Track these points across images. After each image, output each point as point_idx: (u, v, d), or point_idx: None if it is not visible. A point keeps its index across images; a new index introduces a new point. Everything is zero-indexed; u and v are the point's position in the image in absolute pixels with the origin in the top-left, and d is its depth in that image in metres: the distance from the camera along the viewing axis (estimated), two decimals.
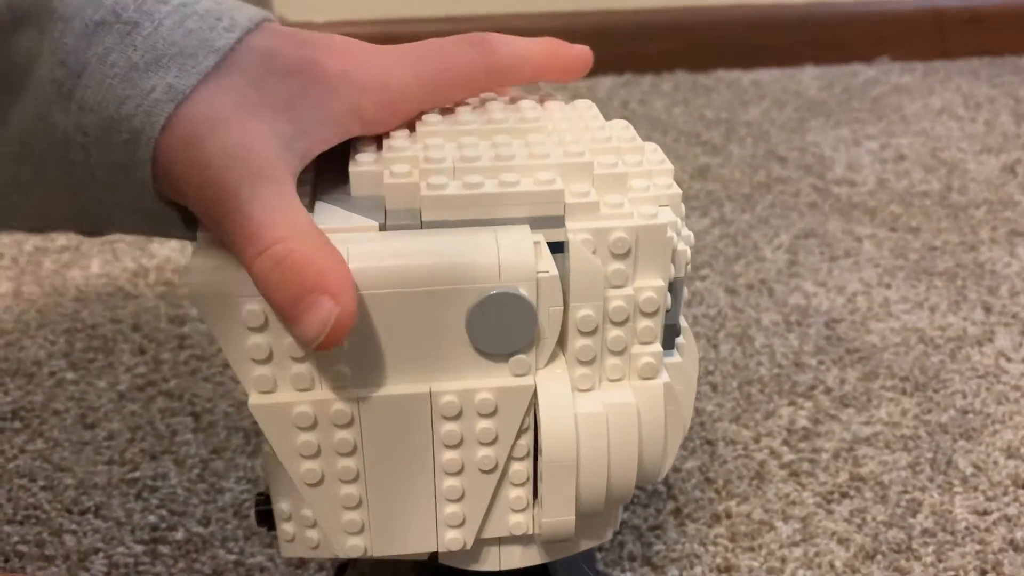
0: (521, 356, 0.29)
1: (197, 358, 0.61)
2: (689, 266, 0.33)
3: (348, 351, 0.28)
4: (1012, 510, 0.50)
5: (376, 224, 0.28)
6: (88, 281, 0.71)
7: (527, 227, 0.28)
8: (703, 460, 0.53)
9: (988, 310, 0.66)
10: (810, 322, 0.65)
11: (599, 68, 1.12)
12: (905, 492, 0.51)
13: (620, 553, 0.47)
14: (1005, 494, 0.51)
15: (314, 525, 0.32)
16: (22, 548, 0.47)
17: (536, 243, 0.28)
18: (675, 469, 0.52)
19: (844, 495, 0.51)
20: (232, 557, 0.47)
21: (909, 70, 1.12)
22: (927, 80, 1.09)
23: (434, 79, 0.30)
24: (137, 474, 0.52)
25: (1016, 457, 0.53)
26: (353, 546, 0.31)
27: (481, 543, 0.33)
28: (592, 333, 0.29)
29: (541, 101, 0.34)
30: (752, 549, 0.47)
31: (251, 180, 0.25)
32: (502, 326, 0.28)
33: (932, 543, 0.48)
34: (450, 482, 0.31)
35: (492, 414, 0.29)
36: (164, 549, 0.47)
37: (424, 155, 0.29)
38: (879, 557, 0.47)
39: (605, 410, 0.30)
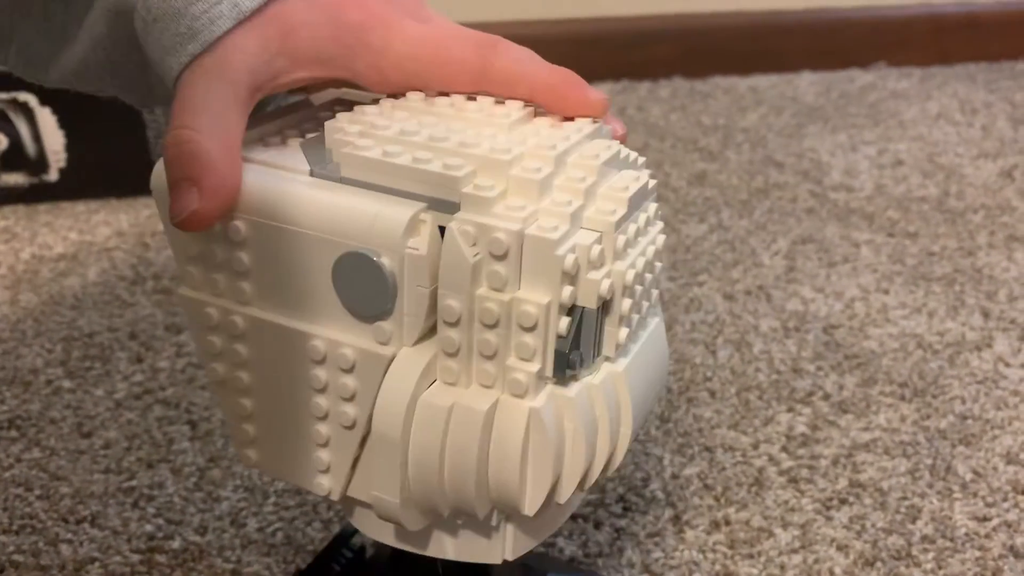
0: (383, 324, 0.29)
1: (194, 366, 0.61)
2: (647, 307, 0.31)
3: (251, 270, 0.30)
4: (1012, 516, 0.49)
5: (307, 169, 0.30)
6: (85, 289, 0.71)
7: (423, 205, 0.28)
8: (702, 467, 0.53)
9: (986, 315, 0.66)
10: (808, 328, 0.65)
11: (596, 74, 1.12)
12: (904, 498, 0.51)
13: (619, 560, 0.47)
14: (1005, 500, 0.50)
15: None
16: (17, 558, 0.47)
17: (422, 222, 0.28)
18: (673, 476, 0.52)
19: (843, 502, 0.50)
20: (229, 566, 0.47)
21: (906, 75, 1.12)
22: (924, 85, 1.09)
23: (428, 65, 0.31)
24: (134, 483, 0.52)
25: (1016, 463, 0.53)
26: (246, 455, 0.34)
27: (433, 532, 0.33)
28: (455, 325, 0.28)
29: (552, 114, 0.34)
30: (751, 556, 0.47)
31: (210, 75, 0.29)
32: (361, 287, 0.29)
33: (932, 549, 0.47)
34: (317, 426, 0.32)
35: (351, 371, 0.30)
36: (161, 558, 0.47)
37: (372, 121, 0.30)
38: (879, 564, 0.47)
39: (449, 407, 0.29)
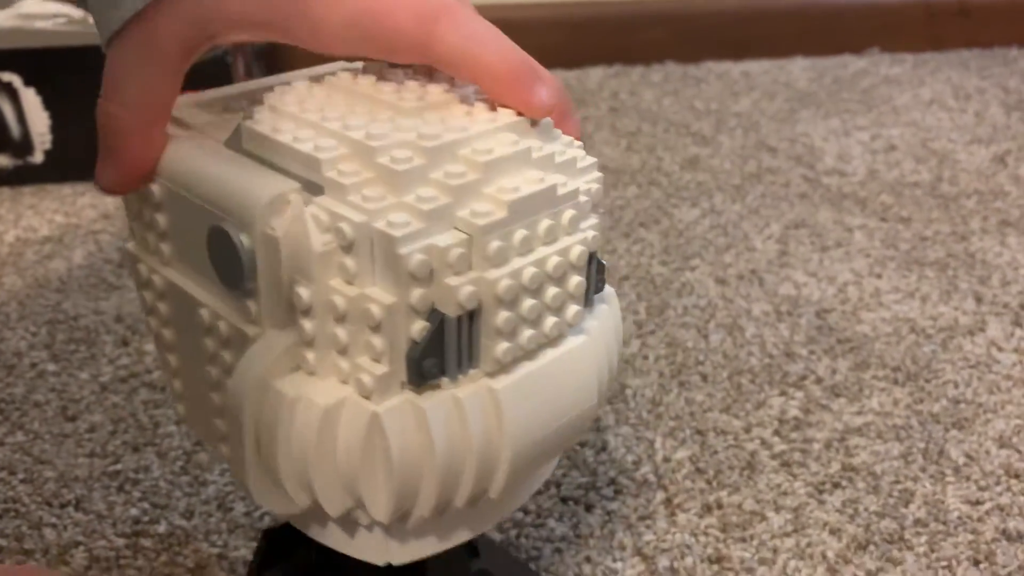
0: (248, 302, 0.28)
1: None
2: (555, 324, 0.28)
3: (167, 232, 0.31)
4: (1005, 500, 0.49)
5: (223, 138, 0.30)
6: (71, 272, 0.70)
7: (296, 186, 0.27)
8: (693, 450, 0.52)
9: (979, 300, 0.66)
10: (801, 312, 0.65)
11: (589, 58, 1.11)
12: (897, 482, 0.50)
13: (610, 542, 0.46)
14: (997, 484, 0.50)
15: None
16: (1, 542, 0.46)
17: (288, 202, 0.27)
18: (665, 459, 0.52)
19: (836, 485, 0.50)
20: (215, 551, 0.46)
21: (899, 61, 1.12)
22: (917, 71, 1.08)
23: (367, 35, 0.29)
24: (119, 467, 0.51)
25: (1008, 447, 0.53)
26: (177, 409, 0.35)
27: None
28: (308, 315, 0.27)
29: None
30: (744, 539, 0.47)
31: (138, 47, 0.28)
32: (226, 262, 0.28)
33: (925, 533, 0.47)
34: (212, 394, 0.31)
35: (227, 345, 0.30)
36: (146, 542, 0.46)
37: (284, 96, 0.30)
38: (871, 547, 0.46)
39: (294, 396, 0.27)
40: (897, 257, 0.71)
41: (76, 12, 0.86)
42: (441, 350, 0.27)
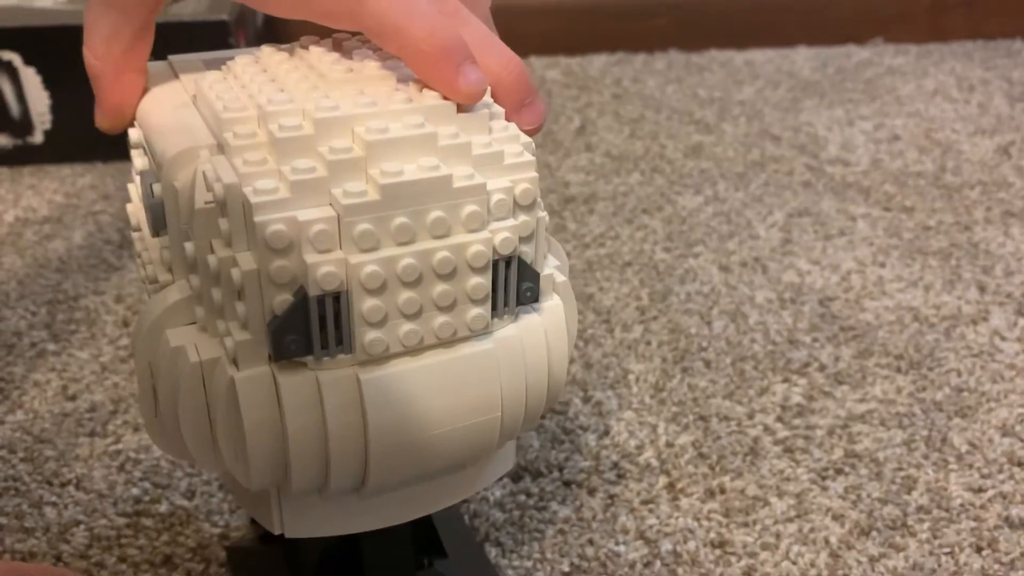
0: (166, 251, 0.29)
1: None
2: (444, 324, 0.27)
3: (138, 176, 0.31)
4: (1007, 487, 0.49)
5: (192, 94, 0.31)
6: (71, 252, 0.70)
7: (212, 143, 0.28)
8: (696, 435, 0.52)
9: (983, 289, 0.66)
10: (804, 300, 0.64)
11: (591, 46, 1.11)
12: (900, 469, 0.50)
13: (613, 526, 0.46)
14: (1000, 471, 0.50)
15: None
16: (1, 520, 0.46)
17: (196, 158, 0.27)
18: (668, 444, 0.52)
19: (839, 472, 0.50)
20: (217, 531, 0.46)
21: (903, 52, 1.11)
22: (921, 62, 1.08)
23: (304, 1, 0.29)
24: (120, 446, 0.51)
25: (1011, 435, 0.53)
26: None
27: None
28: (192, 269, 0.27)
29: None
30: (746, 524, 0.47)
31: (104, 3, 0.30)
32: (148, 208, 0.29)
33: (927, 520, 0.47)
34: None
35: (157, 289, 0.31)
36: (147, 522, 0.46)
37: (240, 62, 0.31)
38: (874, 533, 0.46)
39: (176, 345, 0.27)
40: (900, 246, 0.71)
41: None
42: (305, 328, 0.26)
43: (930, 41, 1.15)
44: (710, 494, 0.48)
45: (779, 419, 0.54)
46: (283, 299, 0.26)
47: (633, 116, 0.94)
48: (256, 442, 0.27)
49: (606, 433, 0.52)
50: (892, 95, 0.99)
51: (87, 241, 0.71)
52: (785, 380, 0.57)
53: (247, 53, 0.32)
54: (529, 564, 0.44)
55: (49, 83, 0.81)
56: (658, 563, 0.44)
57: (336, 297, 0.26)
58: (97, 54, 0.31)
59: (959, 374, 0.57)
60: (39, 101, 0.82)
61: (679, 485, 0.49)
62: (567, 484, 0.49)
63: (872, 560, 0.45)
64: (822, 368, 0.58)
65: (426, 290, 0.27)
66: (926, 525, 0.47)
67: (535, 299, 0.29)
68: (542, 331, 0.30)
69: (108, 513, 0.47)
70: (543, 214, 0.29)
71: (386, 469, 0.28)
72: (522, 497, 0.48)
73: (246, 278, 0.25)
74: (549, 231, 0.34)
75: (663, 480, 0.49)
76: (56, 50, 0.80)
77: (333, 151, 0.25)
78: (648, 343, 0.60)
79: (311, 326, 0.26)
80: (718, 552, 0.45)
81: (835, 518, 0.47)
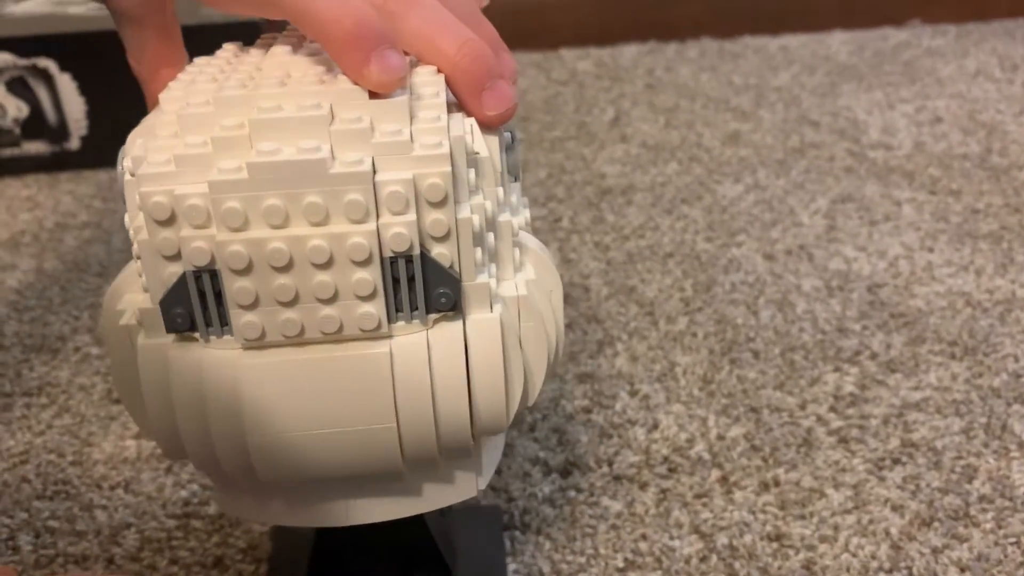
0: None
1: None
2: (329, 318, 0.26)
3: None
4: None
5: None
6: (111, 256, 0.70)
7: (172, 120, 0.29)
8: (748, 427, 0.51)
9: None
10: (852, 287, 0.63)
11: (623, 36, 1.10)
12: (959, 458, 0.49)
13: (667, 520, 0.45)
14: None
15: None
16: (53, 524, 0.46)
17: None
18: (719, 437, 0.51)
19: (896, 461, 0.49)
20: (267, 531, 0.45)
21: (942, 33, 1.09)
22: (961, 42, 1.06)
23: None
24: None
25: None
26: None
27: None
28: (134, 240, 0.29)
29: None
30: (803, 517, 0.46)
31: (115, 7, 0.34)
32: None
33: (991, 509, 0.46)
34: None
35: None
36: (197, 523, 0.46)
37: (240, 52, 0.32)
38: (936, 524, 0.45)
39: (118, 308, 0.29)
40: (948, 230, 0.69)
41: None
42: (188, 303, 0.26)
43: (969, 21, 1.12)
44: (764, 487, 0.47)
45: (832, 409, 0.52)
46: (172, 272, 0.26)
47: (668, 105, 0.92)
48: (154, 409, 0.28)
49: (655, 427, 0.51)
50: (932, 77, 0.97)
51: (126, 245, 0.71)
52: (836, 369, 0.55)
53: (226, 51, 0.33)
54: (583, 560, 0.44)
55: (84, 89, 0.81)
56: (714, 557, 0.44)
57: (213, 274, 0.26)
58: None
59: (1016, 359, 0.56)
60: (75, 107, 0.82)
61: (732, 478, 0.48)
62: (617, 479, 0.48)
63: (935, 551, 0.44)
64: (874, 356, 0.56)
65: (302, 278, 0.25)
66: (990, 515, 0.45)
67: (451, 307, 0.27)
68: (461, 344, 0.27)
69: (158, 515, 0.47)
70: (472, 215, 0.26)
71: (268, 460, 0.27)
72: (572, 492, 0.47)
73: (141, 248, 0.26)
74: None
75: (716, 473, 0.48)
76: (91, 56, 0.80)
77: (223, 128, 0.25)
78: (694, 335, 0.59)
79: (193, 302, 0.26)
80: (775, 545, 0.44)
81: (894, 509, 0.46)
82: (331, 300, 0.26)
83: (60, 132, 0.83)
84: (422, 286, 0.26)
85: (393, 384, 0.27)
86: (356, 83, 0.27)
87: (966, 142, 0.83)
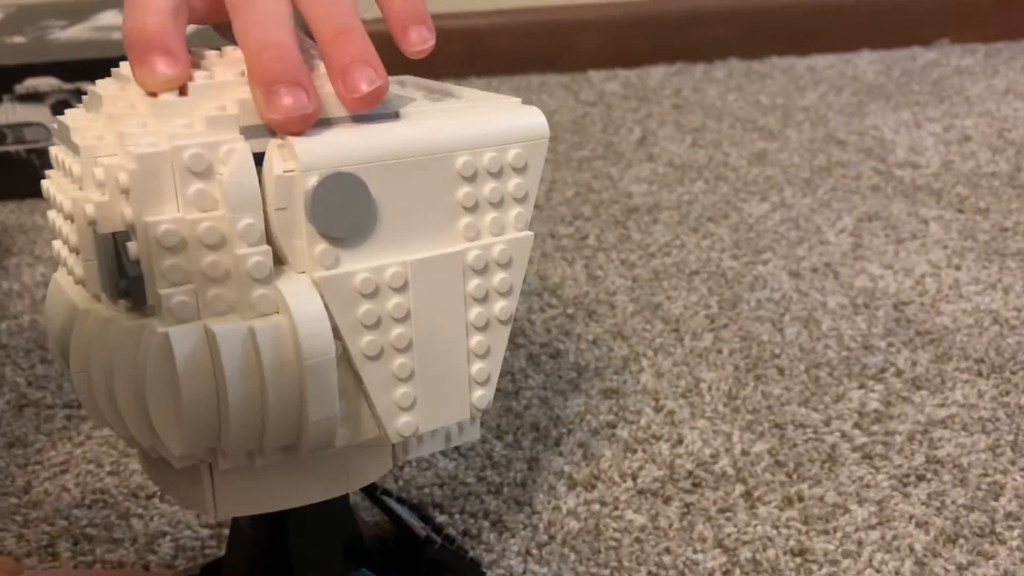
0: None
1: None
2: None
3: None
4: None
5: None
6: None
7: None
8: (772, 443, 0.52)
9: None
10: (878, 304, 0.63)
11: (650, 58, 1.11)
12: (986, 475, 0.49)
13: (691, 534, 0.46)
14: None
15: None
16: (91, 531, 0.48)
17: None
18: (743, 452, 0.51)
19: (921, 478, 0.49)
20: None
21: (971, 52, 1.09)
22: (990, 61, 1.06)
23: None
24: None
25: None
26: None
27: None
28: None
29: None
30: (827, 532, 0.46)
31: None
32: None
33: (1017, 527, 0.46)
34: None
35: None
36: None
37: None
38: (961, 541, 0.45)
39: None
40: (976, 248, 0.69)
41: None
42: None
43: (999, 39, 1.12)
44: (788, 502, 0.48)
45: (856, 425, 0.53)
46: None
47: (695, 125, 0.93)
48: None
49: (679, 442, 0.52)
50: (961, 95, 0.97)
51: None
52: (861, 386, 0.56)
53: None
54: (606, 572, 0.44)
55: None
56: (737, 571, 0.44)
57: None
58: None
59: None
60: None
61: (756, 493, 0.48)
62: (641, 493, 0.49)
63: (960, 568, 0.44)
64: (899, 373, 0.56)
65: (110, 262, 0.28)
66: (1016, 532, 0.45)
67: (125, 295, 0.28)
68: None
69: (192, 524, 0.48)
70: (162, 226, 0.27)
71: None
72: (596, 506, 0.48)
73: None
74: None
75: (739, 488, 0.49)
76: None
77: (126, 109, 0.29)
78: (719, 351, 0.59)
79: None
80: (798, 560, 0.44)
81: (919, 525, 0.46)
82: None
83: None
84: (107, 264, 0.28)
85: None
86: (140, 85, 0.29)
87: (995, 160, 0.83)
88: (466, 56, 1.08)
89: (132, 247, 0.27)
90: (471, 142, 0.30)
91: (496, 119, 0.31)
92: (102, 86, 0.30)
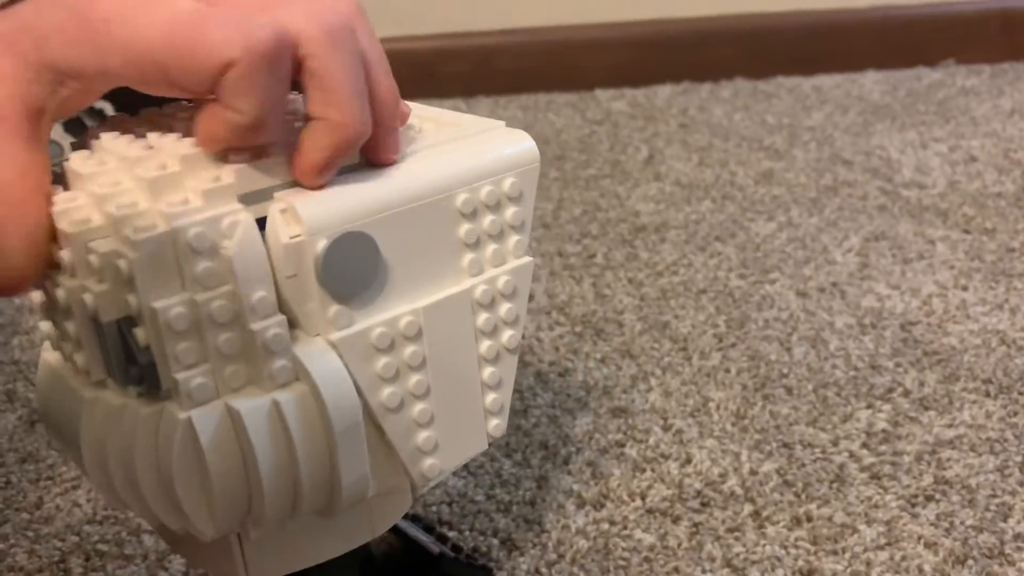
0: None
1: None
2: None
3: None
4: None
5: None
6: None
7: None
8: (780, 463, 0.52)
9: None
10: (885, 325, 0.63)
11: (657, 77, 1.11)
12: (994, 496, 0.49)
13: (699, 554, 0.46)
14: None
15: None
16: (102, 547, 0.48)
17: None
18: (752, 472, 0.51)
19: (929, 498, 0.49)
20: None
21: (976, 72, 1.10)
22: (995, 82, 1.06)
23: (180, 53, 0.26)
24: None
25: None
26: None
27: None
28: None
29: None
30: (835, 552, 0.46)
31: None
32: None
33: None
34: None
35: None
36: None
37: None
38: (970, 562, 0.45)
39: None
40: (983, 269, 0.70)
41: None
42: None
43: (1004, 60, 1.13)
44: (797, 522, 0.48)
45: (864, 445, 0.53)
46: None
47: (701, 144, 0.94)
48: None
49: (688, 461, 0.52)
50: (967, 116, 0.97)
51: None
52: (869, 406, 0.56)
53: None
54: None
55: None
56: None
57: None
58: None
59: None
60: None
61: (764, 513, 0.48)
62: (650, 512, 0.49)
63: None
64: (907, 393, 0.57)
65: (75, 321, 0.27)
66: None
67: (138, 382, 0.26)
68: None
69: None
70: (172, 308, 0.25)
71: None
72: (605, 525, 0.48)
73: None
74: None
75: (748, 508, 0.49)
76: (144, 98, 0.83)
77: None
78: (727, 370, 0.59)
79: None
80: None
81: (928, 546, 0.46)
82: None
83: None
84: (114, 353, 0.26)
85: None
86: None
87: (1001, 180, 0.83)
88: (473, 75, 1.09)
89: (140, 333, 0.26)
90: (469, 177, 0.30)
91: (488, 150, 0.31)
92: (79, 162, 0.27)
